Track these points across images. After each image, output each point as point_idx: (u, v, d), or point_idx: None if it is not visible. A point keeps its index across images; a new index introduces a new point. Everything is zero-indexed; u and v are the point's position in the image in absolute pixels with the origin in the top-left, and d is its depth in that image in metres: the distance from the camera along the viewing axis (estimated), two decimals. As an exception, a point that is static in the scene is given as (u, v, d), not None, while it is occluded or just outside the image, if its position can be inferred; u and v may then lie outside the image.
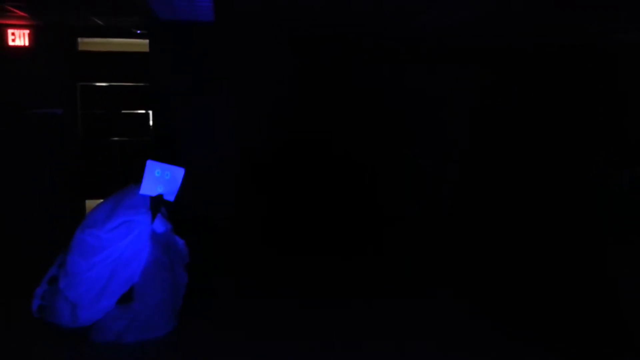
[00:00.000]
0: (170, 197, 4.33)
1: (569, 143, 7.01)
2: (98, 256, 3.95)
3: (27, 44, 6.81)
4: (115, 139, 7.16)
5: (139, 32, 6.81)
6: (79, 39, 7.00)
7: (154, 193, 4.22)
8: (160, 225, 4.19)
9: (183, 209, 5.37)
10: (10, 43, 6.78)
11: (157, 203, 4.22)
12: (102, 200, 4.32)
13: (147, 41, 6.72)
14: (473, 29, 5.86)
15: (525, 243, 6.48)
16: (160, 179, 4.24)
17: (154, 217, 4.17)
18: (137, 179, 4.20)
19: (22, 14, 5.95)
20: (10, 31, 6.75)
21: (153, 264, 4.03)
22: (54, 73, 6.85)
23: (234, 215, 6.78)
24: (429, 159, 7.20)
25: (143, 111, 7.18)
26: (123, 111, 7.16)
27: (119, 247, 4.00)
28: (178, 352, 3.85)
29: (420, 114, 7.13)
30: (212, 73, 6.71)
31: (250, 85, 6.78)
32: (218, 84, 6.73)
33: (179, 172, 4.33)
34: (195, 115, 6.72)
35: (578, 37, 6.32)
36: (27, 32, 6.78)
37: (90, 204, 6.48)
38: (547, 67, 7.04)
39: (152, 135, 6.98)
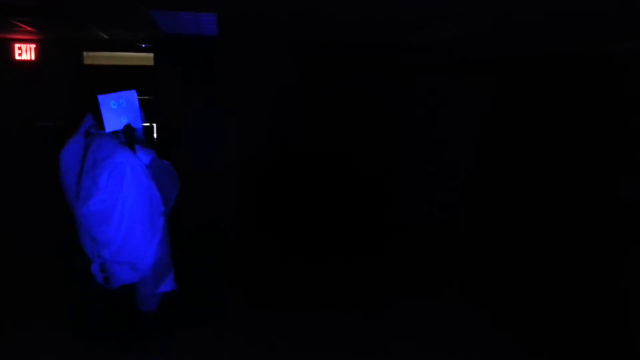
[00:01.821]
0: (137, 124, 4.10)
1: (576, 151, 6.99)
2: (114, 215, 3.81)
3: (33, 58, 6.89)
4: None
5: (143, 45, 6.88)
6: (85, 53, 7.08)
7: (120, 126, 4.02)
8: (144, 156, 3.99)
9: (188, 218, 5.39)
10: (17, 57, 6.86)
11: (129, 134, 4.00)
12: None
13: (151, 55, 6.78)
14: (478, 41, 5.89)
15: (533, 251, 6.45)
16: (119, 109, 4.03)
17: (132, 147, 3.95)
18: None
19: (29, 28, 6.02)
20: (17, 45, 6.84)
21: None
22: (60, 86, 6.93)
23: (239, 224, 6.79)
24: (436, 167, 7.22)
25: (147, 124, 7.23)
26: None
27: (127, 194, 3.82)
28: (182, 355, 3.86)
29: (425, 123, 7.15)
30: (216, 86, 6.76)
31: (255, 97, 6.83)
32: (222, 97, 6.77)
33: (131, 95, 4.09)
34: (199, 127, 6.75)
35: (583, 46, 6.32)
36: (33, 46, 6.87)
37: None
38: (555, 76, 7.04)
39: (156, 148, 7.02)
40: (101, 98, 3.96)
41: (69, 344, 3.93)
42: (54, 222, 6.35)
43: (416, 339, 4.32)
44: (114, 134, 3.99)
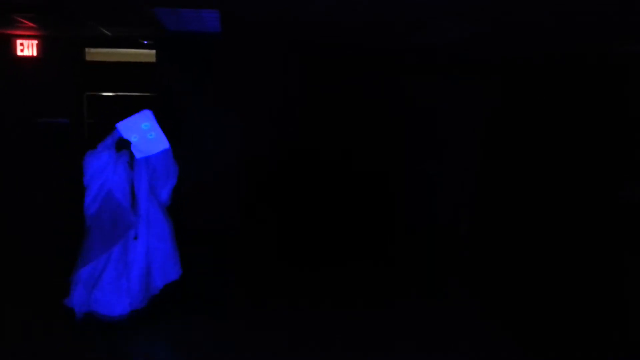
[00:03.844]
0: (138, 154, 4.27)
1: (578, 153, 6.99)
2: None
3: (35, 54, 6.89)
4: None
5: (145, 42, 6.88)
6: (87, 49, 7.08)
7: (126, 136, 4.16)
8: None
9: (188, 217, 5.38)
10: (19, 53, 6.87)
11: (121, 144, 4.20)
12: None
13: (153, 51, 6.79)
14: (478, 41, 5.89)
15: (534, 252, 6.45)
16: (144, 132, 4.18)
17: (118, 147, 4.19)
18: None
19: (31, 24, 6.03)
20: (19, 41, 6.84)
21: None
22: (62, 83, 6.93)
23: (240, 223, 6.80)
24: (436, 167, 7.22)
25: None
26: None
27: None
28: (184, 353, 3.88)
29: (426, 124, 7.15)
30: (217, 84, 6.76)
31: (255, 96, 6.83)
32: (223, 95, 6.77)
33: (161, 144, 4.26)
34: (200, 125, 6.76)
35: (584, 47, 6.32)
36: (35, 42, 6.87)
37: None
38: (557, 78, 7.04)
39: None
40: (146, 112, 4.20)
41: (69, 344, 3.93)
42: (54, 222, 6.39)
43: (416, 339, 4.32)
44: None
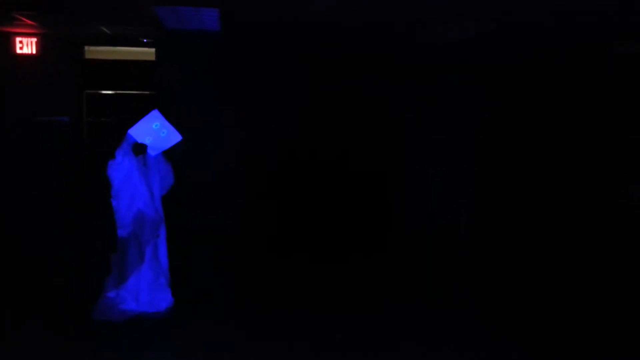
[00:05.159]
0: (153, 152, 4.42)
1: (579, 153, 6.99)
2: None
3: (34, 52, 6.87)
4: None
5: (145, 40, 6.87)
6: (86, 48, 7.07)
7: (141, 140, 4.28)
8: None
9: (188, 217, 5.38)
10: (18, 51, 6.85)
11: (138, 149, 4.29)
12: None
13: (153, 50, 6.78)
14: (478, 42, 5.89)
15: (534, 252, 6.46)
16: (155, 132, 4.31)
17: (136, 153, 4.27)
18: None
19: (30, 22, 6.01)
20: (18, 39, 6.82)
21: None
22: (61, 81, 6.92)
23: (239, 223, 6.80)
24: (435, 167, 7.23)
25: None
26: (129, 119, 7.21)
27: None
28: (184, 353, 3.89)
29: (425, 124, 7.15)
30: (217, 83, 6.75)
31: (255, 95, 6.82)
32: (223, 95, 6.77)
33: (175, 137, 4.41)
34: (199, 123, 6.75)
35: (585, 47, 6.33)
36: (34, 40, 6.85)
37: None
38: (558, 78, 7.04)
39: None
40: (155, 112, 4.28)
41: (68, 344, 3.93)
42: (54, 222, 6.38)
43: (416, 339, 4.33)
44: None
